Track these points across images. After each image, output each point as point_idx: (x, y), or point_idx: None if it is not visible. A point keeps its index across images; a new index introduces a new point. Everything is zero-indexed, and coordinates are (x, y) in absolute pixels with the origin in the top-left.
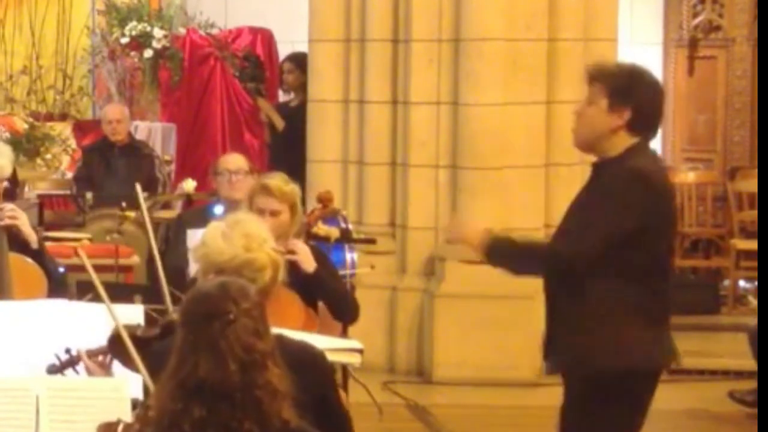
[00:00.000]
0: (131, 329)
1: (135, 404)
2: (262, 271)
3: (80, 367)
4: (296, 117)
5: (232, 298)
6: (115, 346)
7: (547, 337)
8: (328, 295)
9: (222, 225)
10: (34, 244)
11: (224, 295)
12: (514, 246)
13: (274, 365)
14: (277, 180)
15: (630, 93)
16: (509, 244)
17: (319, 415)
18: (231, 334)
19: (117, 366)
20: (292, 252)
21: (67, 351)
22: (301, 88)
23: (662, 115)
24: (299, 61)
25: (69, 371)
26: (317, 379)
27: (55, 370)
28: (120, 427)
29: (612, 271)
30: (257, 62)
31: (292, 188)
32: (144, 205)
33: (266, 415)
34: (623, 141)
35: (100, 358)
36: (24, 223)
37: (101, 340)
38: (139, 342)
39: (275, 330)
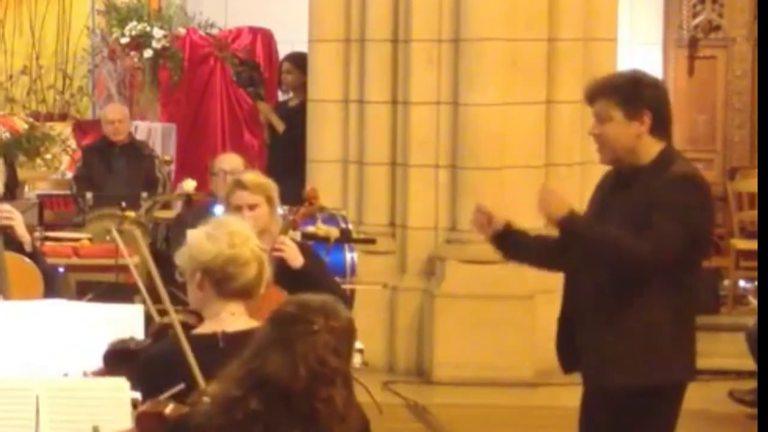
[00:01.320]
0: (124, 343)
1: (135, 404)
2: (246, 266)
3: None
4: (295, 117)
5: (324, 312)
6: (112, 363)
7: (588, 348)
8: (317, 289)
9: (206, 227)
10: (28, 246)
11: (317, 308)
12: (590, 226)
13: (343, 386)
14: (250, 175)
15: (642, 96)
16: (585, 225)
17: None
18: (309, 342)
19: None
20: (278, 249)
21: (66, 375)
22: (301, 88)
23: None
24: (298, 61)
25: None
26: None
27: None
28: (169, 407)
29: (668, 281)
30: (254, 66)
31: (266, 181)
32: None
33: (318, 429)
34: (652, 146)
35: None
36: (19, 224)
37: (100, 339)
38: (134, 354)
39: None
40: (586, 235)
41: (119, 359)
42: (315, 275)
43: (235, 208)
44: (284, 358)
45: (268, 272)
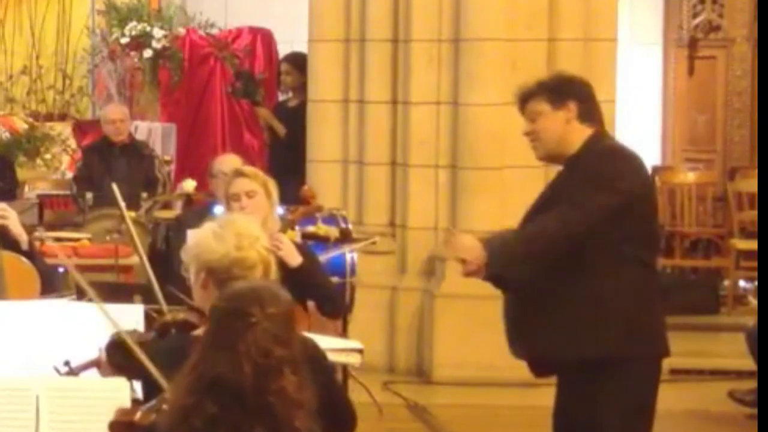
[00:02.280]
0: (127, 336)
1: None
2: (252, 269)
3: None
4: (295, 117)
5: (259, 301)
6: (115, 354)
7: (538, 329)
8: (313, 288)
9: (214, 225)
10: (24, 245)
11: (252, 298)
12: (501, 244)
13: (292, 373)
14: (249, 166)
15: (565, 88)
16: (498, 244)
17: (325, 416)
18: (250, 337)
19: None
20: (276, 247)
21: (66, 363)
22: (300, 88)
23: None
24: (297, 61)
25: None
26: (318, 378)
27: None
28: (138, 414)
29: (610, 254)
30: (248, 76)
31: (265, 175)
32: (123, 204)
33: (277, 421)
34: (581, 133)
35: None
36: (14, 223)
37: (100, 340)
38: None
39: None
40: (509, 260)
41: (121, 351)
42: (311, 274)
43: (234, 197)
44: (228, 357)
45: (274, 273)
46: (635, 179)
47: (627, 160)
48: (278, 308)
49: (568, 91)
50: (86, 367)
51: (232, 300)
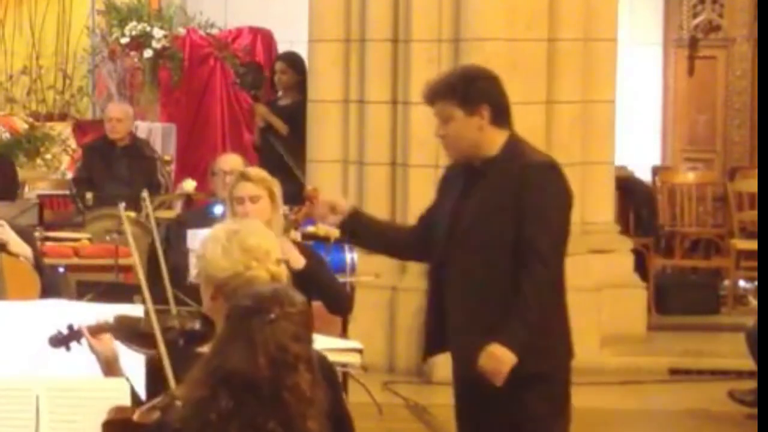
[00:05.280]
0: (133, 321)
1: (138, 402)
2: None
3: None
4: (288, 117)
5: (278, 300)
6: (120, 330)
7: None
8: (320, 288)
9: (221, 235)
10: (30, 262)
11: (271, 297)
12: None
13: (307, 371)
14: (254, 169)
15: (477, 91)
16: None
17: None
18: (268, 331)
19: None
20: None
21: (70, 327)
22: (294, 87)
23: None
24: (292, 60)
25: (73, 344)
26: (329, 391)
27: (57, 342)
28: (137, 413)
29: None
30: (258, 68)
31: (269, 177)
32: (151, 210)
33: (291, 417)
34: (496, 137)
35: (105, 335)
36: (13, 241)
37: None
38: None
39: None
40: (525, 337)
41: (126, 336)
42: (317, 275)
43: (238, 200)
44: (244, 351)
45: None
46: (570, 198)
47: (563, 175)
48: (296, 308)
49: (480, 94)
50: (92, 330)
51: (251, 298)
